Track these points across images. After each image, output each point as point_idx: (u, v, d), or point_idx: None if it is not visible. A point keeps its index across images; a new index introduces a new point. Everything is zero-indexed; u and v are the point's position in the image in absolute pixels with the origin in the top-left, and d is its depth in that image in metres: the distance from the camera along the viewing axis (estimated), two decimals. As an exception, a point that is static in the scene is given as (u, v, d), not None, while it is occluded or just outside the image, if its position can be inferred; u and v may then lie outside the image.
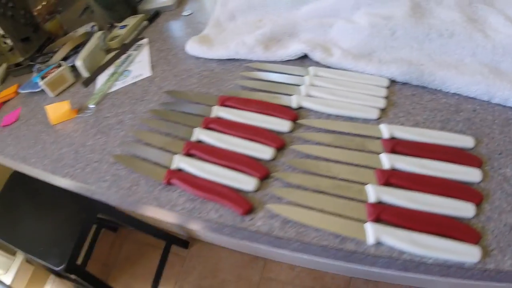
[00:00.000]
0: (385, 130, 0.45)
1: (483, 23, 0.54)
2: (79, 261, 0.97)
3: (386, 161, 0.42)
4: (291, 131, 0.48)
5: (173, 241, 1.35)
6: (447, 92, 0.49)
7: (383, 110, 0.49)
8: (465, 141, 0.43)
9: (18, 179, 1.07)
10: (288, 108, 0.50)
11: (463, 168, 0.40)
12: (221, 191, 0.43)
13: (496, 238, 0.35)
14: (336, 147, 0.45)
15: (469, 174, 0.40)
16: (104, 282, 1.03)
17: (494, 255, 0.34)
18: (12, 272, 1.23)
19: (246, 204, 0.41)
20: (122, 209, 1.10)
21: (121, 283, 1.13)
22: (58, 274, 1.23)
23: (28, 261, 1.24)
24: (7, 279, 1.23)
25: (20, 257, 1.23)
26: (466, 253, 0.34)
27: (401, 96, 0.50)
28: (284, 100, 0.51)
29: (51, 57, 0.83)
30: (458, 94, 0.49)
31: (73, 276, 1.25)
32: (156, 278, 1.23)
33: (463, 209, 0.37)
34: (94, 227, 1.39)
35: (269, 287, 1.25)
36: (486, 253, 0.34)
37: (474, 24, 0.53)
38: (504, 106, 0.46)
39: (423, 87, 0.51)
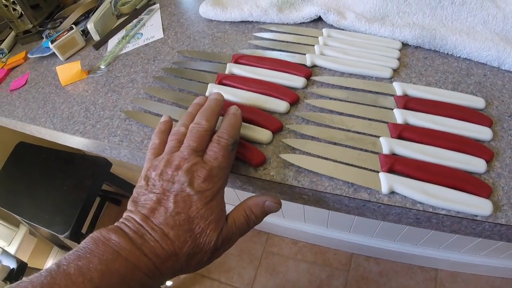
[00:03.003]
0: (398, 88, 0.45)
1: (494, -6, 0.54)
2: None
3: (399, 115, 0.42)
4: (305, 87, 0.49)
5: None
6: (458, 56, 0.50)
7: (395, 70, 0.49)
8: (476, 102, 0.43)
9: (22, 151, 1.07)
10: (302, 65, 0.50)
11: (474, 126, 0.41)
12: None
13: (506, 195, 0.35)
14: (349, 102, 0.45)
15: (480, 132, 0.40)
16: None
17: (505, 210, 0.34)
18: (15, 244, 1.23)
19: (259, 156, 0.41)
20: (127, 179, 1.10)
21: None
22: (61, 246, 1.23)
23: (31, 233, 1.24)
24: (10, 251, 1.23)
25: (23, 229, 1.23)
26: (478, 206, 0.34)
27: (413, 58, 0.51)
28: (298, 58, 0.51)
29: (61, 23, 0.83)
30: (469, 59, 0.49)
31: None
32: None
33: (474, 164, 0.37)
34: (98, 199, 1.40)
35: (271, 261, 1.26)
36: (497, 208, 0.35)
37: (485, -7, 0.53)
38: None
39: (435, 51, 0.51)
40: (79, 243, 0.97)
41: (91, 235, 0.32)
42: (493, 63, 0.47)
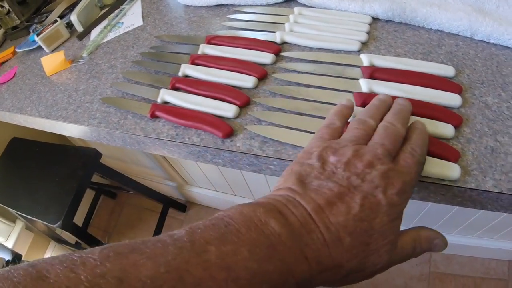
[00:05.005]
0: (365, 59, 0.46)
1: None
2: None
3: (365, 85, 0.43)
4: (274, 63, 0.49)
5: (170, 204, 1.38)
6: (430, 28, 0.50)
7: (365, 44, 0.49)
8: (445, 70, 0.43)
9: (16, 146, 1.09)
10: (272, 42, 0.51)
11: (442, 93, 0.41)
12: (202, 118, 0.44)
13: (476, 159, 0.35)
14: (316, 74, 0.46)
15: (449, 99, 0.40)
16: (100, 241, 1.05)
17: (475, 175, 0.34)
18: (12, 240, 1.25)
19: (226, 128, 0.42)
20: (119, 171, 1.12)
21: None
22: (58, 240, 1.25)
23: (28, 227, 1.26)
24: (8, 246, 1.25)
25: (20, 224, 1.25)
26: (445, 169, 0.34)
27: (383, 31, 0.51)
28: (268, 36, 0.52)
29: (47, 16, 0.84)
30: (440, 31, 0.49)
31: (72, 241, 1.29)
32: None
33: (442, 128, 0.37)
34: (93, 193, 1.42)
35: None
36: (466, 172, 0.35)
37: (456, -35, 0.53)
38: (488, 43, 0.47)
39: (406, 24, 0.51)
40: (72, 233, 0.97)
41: (240, 208, 0.25)
42: (466, 33, 0.47)
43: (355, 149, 0.29)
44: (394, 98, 0.40)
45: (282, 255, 0.23)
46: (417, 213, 0.98)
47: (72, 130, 0.59)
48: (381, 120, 0.34)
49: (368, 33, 0.50)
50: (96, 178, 1.24)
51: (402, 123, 0.33)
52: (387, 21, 0.52)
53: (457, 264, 1.10)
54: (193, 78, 0.51)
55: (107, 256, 0.20)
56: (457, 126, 0.38)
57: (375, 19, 0.53)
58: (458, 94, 0.40)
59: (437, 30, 0.50)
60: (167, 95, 0.49)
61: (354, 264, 0.25)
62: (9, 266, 0.19)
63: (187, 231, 0.23)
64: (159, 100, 0.49)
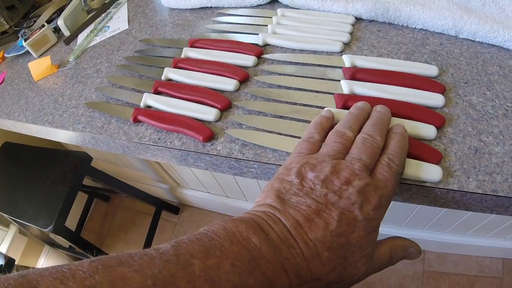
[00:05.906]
0: (347, 60, 0.46)
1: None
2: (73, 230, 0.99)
3: (345, 86, 0.43)
4: (256, 65, 0.49)
5: (163, 206, 1.38)
6: (414, 28, 0.50)
7: (347, 44, 0.49)
8: (429, 69, 0.43)
9: (8, 150, 1.09)
10: (255, 45, 0.51)
11: (425, 93, 0.40)
12: (183, 121, 0.44)
13: (459, 160, 0.35)
14: (297, 76, 0.46)
15: (431, 99, 0.40)
16: (93, 245, 1.05)
17: (458, 176, 0.34)
18: (5, 244, 1.25)
19: (206, 131, 0.42)
20: (110, 174, 1.12)
21: (114, 250, 1.16)
22: (51, 244, 1.25)
23: (21, 232, 1.26)
24: (1, 251, 1.25)
25: (13, 228, 1.25)
26: (426, 171, 0.34)
27: (366, 32, 0.51)
28: (251, 39, 0.52)
29: (36, 21, 0.84)
30: (425, 30, 0.49)
31: (66, 245, 1.29)
32: (147, 244, 1.26)
33: (423, 130, 0.37)
34: (86, 197, 1.42)
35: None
36: (449, 173, 0.34)
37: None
38: (473, 41, 0.46)
39: (390, 24, 0.51)
40: (64, 237, 0.97)
41: (223, 224, 0.27)
42: (450, 32, 0.47)
43: (333, 164, 0.30)
44: (374, 99, 0.40)
45: (263, 268, 0.24)
46: (409, 213, 0.98)
47: (58, 135, 0.59)
48: (360, 128, 0.35)
49: (351, 33, 0.50)
50: (89, 182, 1.25)
51: (380, 134, 0.33)
52: (371, 21, 0.52)
53: (451, 262, 1.10)
54: (176, 81, 0.51)
55: (95, 268, 0.21)
56: (439, 127, 0.37)
57: (358, 19, 0.52)
58: (441, 93, 0.40)
59: (421, 29, 0.49)
60: (149, 99, 0.49)
61: (332, 276, 0.27)
62: (0, 274, 0.20)
63: (172, 245, 0.24)
64: (141, 105, 0.49)
